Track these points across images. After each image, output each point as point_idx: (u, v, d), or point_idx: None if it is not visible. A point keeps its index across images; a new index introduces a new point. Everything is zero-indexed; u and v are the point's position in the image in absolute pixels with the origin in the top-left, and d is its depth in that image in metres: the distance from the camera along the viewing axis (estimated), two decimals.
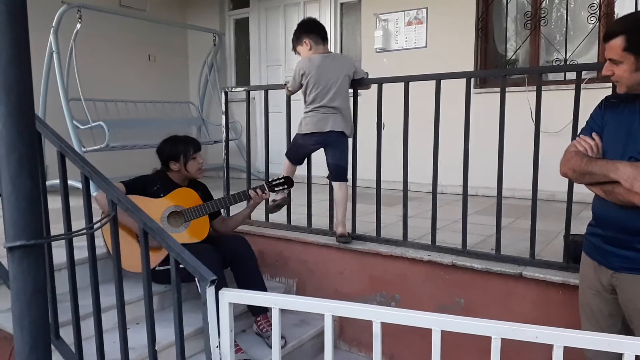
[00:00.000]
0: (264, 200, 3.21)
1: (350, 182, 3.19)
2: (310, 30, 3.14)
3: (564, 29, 4.68)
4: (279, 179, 3.00)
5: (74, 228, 2.01)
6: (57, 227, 2.08)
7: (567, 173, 1.80)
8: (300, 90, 3.16)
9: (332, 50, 5.90)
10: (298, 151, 3.23)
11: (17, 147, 1.25)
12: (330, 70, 3.05)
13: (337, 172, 3.10)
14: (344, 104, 3.07)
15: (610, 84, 2.24)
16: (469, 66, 4.90)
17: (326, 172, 3.17)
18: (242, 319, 2.86)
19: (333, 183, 3.14)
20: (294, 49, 3.22)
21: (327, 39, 3.18)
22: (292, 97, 3.37)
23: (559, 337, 1.29)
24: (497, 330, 1.33)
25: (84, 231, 1.69)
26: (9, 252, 1.29)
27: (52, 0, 4.74)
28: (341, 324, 3.09)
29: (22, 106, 1.25)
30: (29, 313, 1.32)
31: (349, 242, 3.05)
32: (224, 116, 3.67)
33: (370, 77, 3.19)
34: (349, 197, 3.13)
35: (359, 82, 3.15)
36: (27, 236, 1.28)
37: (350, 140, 3.15)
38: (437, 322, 1.36)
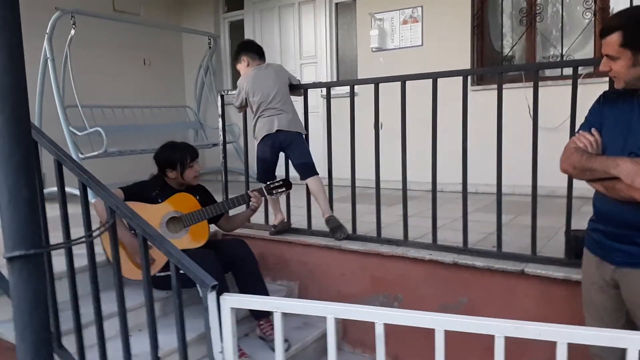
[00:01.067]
0: (262, 204, 3.22)
1: (349, 183, 3.19)
2: (247, 49, 3.47)
3: (560, 25, 4.68)
4: (277, 181, 3.00)
5: (72, 236, 2.00)
6: (56, 235, 2.07)
7: (568, 170, 1.80)
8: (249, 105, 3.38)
9: (328, 51, 5.93)
10: (265, 168, 3.34)
11: (14, 156, 1.24)
12: (265, 78, 3.32)
13: (305, 169, 3.25)
14: (286, 106, 3.27)
15: (607, 79, 2.25)
16: (466, 64, 4.89)
17: (326, 173, 3.17)
18: (245, 322, 2.85)
19: (307, 180, 3.26)
20: (235, 67, 3.54)
21: (263, 56, 3.51)
22: (292, 97, 3.40)
23: (563, 334, 1.29)
24: (500, 328, 1.32)
25: (83, 239, 1.68)
26: (8, 262, 1.28)
27: (45, 6, 4.73)
28: (345, 325, 3.08)
29: (17, 114, 1.24)
30: (30, 323, 1.31)
31: (344, 232, 3.09)
32: (220, 119, 3.66)
33: (366, 76, 3.21)
34: (348, 198, 3.12)
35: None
36: (26, 246, 1.27)
37: (347, 140, 3.15)
38: (440, 322, 1.36)
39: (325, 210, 3.19)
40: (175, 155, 2.78)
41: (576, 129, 1.90)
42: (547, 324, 1.30)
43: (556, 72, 4.70)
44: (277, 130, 3.22)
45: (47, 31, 4.63)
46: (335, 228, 3.12)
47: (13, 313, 1.31)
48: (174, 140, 2.92)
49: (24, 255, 1.28)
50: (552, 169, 2.61)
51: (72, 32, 4.71)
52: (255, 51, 3.46)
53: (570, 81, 2.51)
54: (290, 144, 3.26)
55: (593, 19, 4.48)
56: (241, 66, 3.46)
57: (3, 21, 1.18)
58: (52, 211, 2.05)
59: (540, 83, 2.58)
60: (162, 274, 2.59)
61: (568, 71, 4.39)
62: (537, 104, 2.52)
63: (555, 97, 3.95)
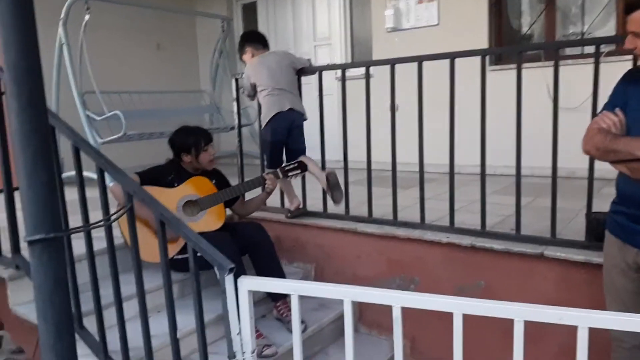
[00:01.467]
0: (278, 187, 3.22)
1: (364, 166, 3.17)
2: (250, 39, 3.49)
3: (580, 2, 4.55)
4: (292, 163, 2.99)
5: (91, 219, 2.03)
6: (74, 218, 2.09)
7: (591, 151, 1.75)
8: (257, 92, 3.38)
9: (343, 33, 5.86)
10: (276, 149, 3.33)
11: (32, 142, 1.25)
12: (270, 62, 3.33)
13: (301, 154, 3.30)
14: (293, 89, 3.31)
15: (630, 57, 2.18)
16: (483, 43, 4.79)
17: (341, 156, 3.16)
18: (262, 304, 2.87)
19: (302, 158, 3.25)
20: (241, 58, 3.55)
21: (267, 44, 3.53)
22: (303, 82, 3.37)
23: (584, 319, 1.27)
24: (519, 312, 1.31)
25: (102, 223, 1.69)
26: (29, 245, 1.29)
27: None
28: (361, 307, 3.09)
29: (34, 100, 1.24)
30: (51, 305, 1.33)
31: (342, 194, 3.16)
32: (235, 103, 3.65)
33: (381, 57, 3.16)
34: (364, 181, 3.10)
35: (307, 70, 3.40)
36: (46, 229, 1.29)
37: (362, 122, 3.12)
38: (458, 306, 1.34)
39: (321, 172, 3.22)
40: (189, 140, 2.79)
41: (599, 109, 1.86)
42: (568, 308, 1.28)
43: (576, 50, 4.58)
44: (289, 109, 3.22)
45: (62, 16, 4.63)
46: (335, 185, 3.15)
47: (34, 295, 1.33)
48: (187, 125, 2.92)
49: (44, 238, 1.29)
50: (571, 149, 2.56)
51: (87, 17, 4.70)
52: (258, 41, 3.48)
53: (591, 60, 2.45)
54: (298, 126, 3.29)
55: None
56: (246, 57, 3.47)
57: (16, 6, 1.18)
58: (71, 195, 2.07)
59: (560, 62, 2.51)
60: (180, 256, 2.61)
61: (588, 50, 4.28)
62: (558, 84, 2.46)
63: (575, 76, 3.86)
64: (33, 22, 1.22)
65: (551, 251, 2.46)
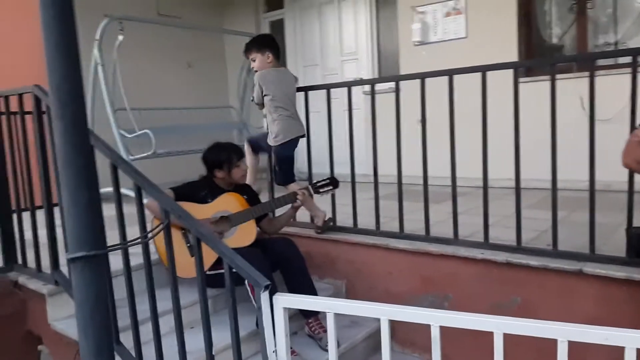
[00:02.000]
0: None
1: (392, 180, 3.16)
2: (274, 46, 3.46)
3: (609, 11, 4.47)
4: (323, 180, 2.99)
5: (127, 235, 2.06)
6: (110, 234, 2.13)
7: (631, 164, 1.71)
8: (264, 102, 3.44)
9: (369, 47, 5.88)
10: (290, 167, 3.46)
11: (74, 161, 1.28)
12: (288, 82, 3.43)
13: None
14: (297, 112, 3.47)
15: None
16: (512, 55, 4.75)
17: (369, 171, 3.15)
18: (294, 320, 2.86)
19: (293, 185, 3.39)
20: (249, 55, 3.48)
21: (280, 58, 3.57)
22: (332, 97, 3.38)
23: (632, 339, 1.23)
24: (563, 332, 1.27)
25: (139, 240, 1.72)
26: (71, 262, 1.32)
27: (94, 13, 4.88)
28: (393, 324, 3.02)
29: (76, 121, 1.28)
30: (92, 321, 1.35)
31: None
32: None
33: (409, 71, 3.16)
34: (394, 196, 3.08)
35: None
36: (87, 247, 1.31)
37: (389, 137, 3.14)
38: (499, 325, 1.32)
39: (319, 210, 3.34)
40: (221, 156, 2.83)
41: (637, 122, 1.81)
42: (614, 329, 1.25)
43: (609, 60, 4.49)
44: (299, 136, 3.40)
45: (97, 37, 4.78)
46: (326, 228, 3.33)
47: (75, 312, 1.35)
48: (219, 141, 2.97)
49: (86, 256, 1.32)
50: (606, 162, 2.50)
51: (120, 37, 4.84)
52: (278, 51, 3.48)
53: (624, 70, 2.40)
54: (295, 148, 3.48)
55: None
56: (262, 59, 3.41)
57: (61, 34, 1.22)
58: (106, 211, 2.12)
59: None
60: (211, 272, 2.63)
61: (621, 60, 4.20)
62: (594, 95, 2.41)
63: (608, 87, 3.78)
64: (76, 46, 1.26)
65: (590, 268, 2.39)
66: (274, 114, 3.35)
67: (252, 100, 3.53)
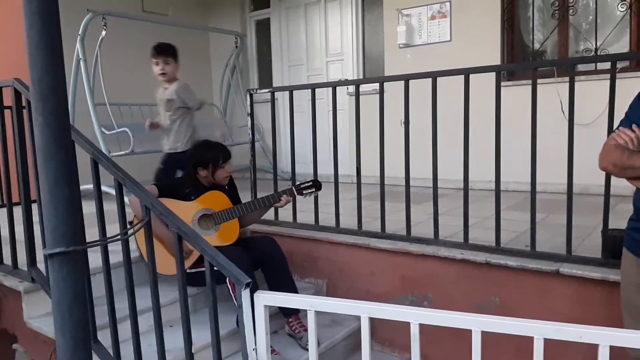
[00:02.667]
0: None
1: (374, 181, 3.17)
2: None
3: (592, 18, 4.56)
4: (307, 182, 3.00)
5: (107, 233, 2.04)
6: (90, 231, 2.11)
7: (608, 167, 1.75)
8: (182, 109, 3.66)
9: (355, 48, 5.91)
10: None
11: (55, 156, 1.27)
12: None
13: None
14: None
15: None
16: (496, 59, 4.81)
17: (352, 171, 3.15)
18: (274, 319, 2.86)
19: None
20: (166, 59, 3.69)
21: None
22: (316, 97, 3.39)
23: (605, 337, 1.25)
24: (540, 330, 1.30)
25: (119, 237, 1.70)
26: (49, 258, 1.31)
27: (77, 8, 4.82)
28: (373, 323, 3.05)
29: (57, 115, 1.26)
30: (69, 318, 1.33)
31: None
32: (249, 118, 3.68)
33: (393, 73, 3.17)
34: (376, 196, 3.10)
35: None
36: (66, 243, 1.30)
37: (372, 137, 3.15)
38: (477, 323, 1.33)
39: None
40: (208, 155, 2.81)
41: (614, 125, 1.85)
42: (589, 327, 1.27)
43: (589, 66, 4.59)
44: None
45: (80, 32, 4.72)
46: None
47: (52, 308, 1.34)
48: (209, 140, 2.95)
49: (64, 252, 1.30)
50: (585, 166, 2.55)
51: (103, 33, 4.79)
52: None
53: (604, 76, 2.45)
54: None
55: (629, 11, 4.35)
56: (175, 67, 3.69)
57: (44, 25, 1.21)
58: (85, 208, 2.09)
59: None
60: (192, 270, 2.62)
61: (601, 66, 4.29)
62: (573, 100, 2.45)
63: (588, 92, 3.85)
64: (58, 41, 1.25)
65: (567, 268, 2.43)
66: (191, 123, 3.63)
67: (191, 107, 3.71)
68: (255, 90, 3.70)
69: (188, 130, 3.64)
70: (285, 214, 3.44)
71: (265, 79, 6.83)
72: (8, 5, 5.17)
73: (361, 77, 5.93)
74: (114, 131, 4.78)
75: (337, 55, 6.10)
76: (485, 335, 1.32)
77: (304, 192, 2.96)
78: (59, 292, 1.32)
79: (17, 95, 2.36)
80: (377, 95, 3.10)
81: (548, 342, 1.28)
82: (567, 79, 2.51)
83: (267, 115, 3.91)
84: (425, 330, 1.39)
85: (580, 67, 4.62)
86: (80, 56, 4.78)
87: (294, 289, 2.77)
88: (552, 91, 4.23)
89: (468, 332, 1.35)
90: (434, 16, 5.16)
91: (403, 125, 2.98)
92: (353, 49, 5.95)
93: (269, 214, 3.35)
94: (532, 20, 4.87)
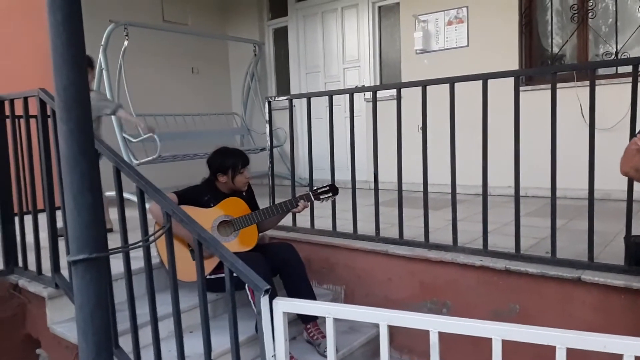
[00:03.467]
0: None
1: (392, 187, 3.16)
2: None
3: (612, 21, 4.50)
4: (323, 187, 3.01)
5: (128, 239, 2.07)
6: (112, 237, 2.15)
7: (629, 172, 1.72)
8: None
9: (371, 55, 5.92)
10: None
11: (79, 164, 1.29)
12: None
13: None
14: None
15: None
16: (514, 64, 4.77)
17: (370, 177, 3.15)
18: (292, 326, 2.85)
19: None
20: (92, 67, 3.73)
21: None
22: (334, 103, 3.41)
23: (630, 347, 1.23)
24: (562, 339, 1.28)
25: (140, 244, 1.73)
26: (72, 265, 1.33)
27: (100, 19, 4.93)
28: (392, 330, 3.03)
29: (82, 124, 1.29)
30: (92, 324, 1.35)
31: None
32: (267, 125, 3.71)
33: (410, 79, 3.17)
34: (394, 202, 3.09)
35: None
36: (89, 250, 1.32)
37: (389, 143, 3.13)
38: (498, 331, 1.32)
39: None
40: (227, 161, 2.84)
41: (637, 130, 1.83)
42: (613, 336, 1.25)
43: (609, 70, 4.52)
44: None
45: (102, 43, 4.83)
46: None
47: (76, 315, 1.36)
48: (226, 146, 2.98)
49: (87, 258, 1.33)
50: (606, 171, 2.52)
51: (126, 43, 4.89)
52: None
53: (624, 79, 2.41)
54: None
55: None
56: (92, 79, 3.77)
57: (69, 38, 1.24)
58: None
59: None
60: (212, 276, 2.64)
61: (622, 69, 4.22)
62: (594, 104, 2.42)
63: (609, 96, 3.80)
64: (82, 51, 1.28)
65: (589, 275, 2.39)
66: (99, 129, 3.67)
67: (108, 113, 3.73)
68: (273, 98, 3.73)
69: (98, 136, 3.62)
70: (303, 220, 3.45)
71: (283, 86, 6.88)
72: (31, 15, 5.30)
73: (378, 83, 5.93)
74: (141, 138, 4.85)
75: (354, 62, 6.12)
76: (504, 343, 1.31)
77: (321, 197, 2.97)
78: (82, 298, 1.34)
79: (42, 104, 2.42)
80: (394, 101, 3.10)
81: (570, 351, 1.26)
82: (587, 83, 2.49)
83: (285, 121, 3.94)
84: (444, 337, 1.38)
85: (601, 71, 4.55)
86: (103, 66, 4.88)
87: (312, 296, 2.77)
88: (572, 95, 4.19)
89: (487, 340, 1.34)
90: (451, 21, 5.15)
91: (420, 131, 2.97)
92: (370, 56, 5.97)
93: (287, 220, 3.36)
94: (550, 23, 4.82)
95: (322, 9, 6.31)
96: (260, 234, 3.04)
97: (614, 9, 4.48)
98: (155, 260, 2.63)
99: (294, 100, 3.66)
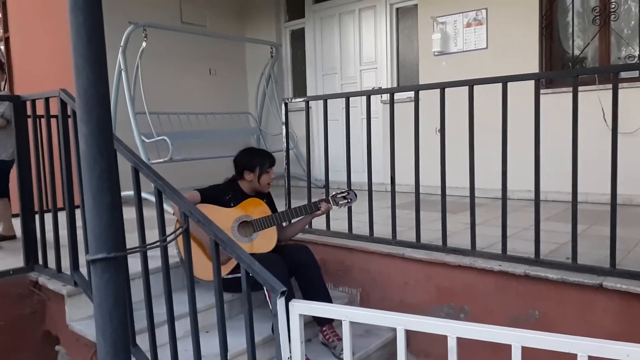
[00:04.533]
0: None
1: (409, 189, 3.14)
2: None
3: (634, 23, 4.42)
4: (342, 192, 3.01)
5: (146, 239, 2.09)
6: (129, 237, 2.16)
7: None
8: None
9: (389, 57, 5.90)
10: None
11: (99, 164, 1.31)
12: None
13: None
14: None
15: None
16: (533, 66, 4.71)
17: (386, 179, 3.13)
18: (308, 328, 2.84)
19: None
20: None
21: None
22: (350, 105, 3.40)
23: None
24: (584, 347, 1.25)
25: (158, 244, 1.74)
26: (91, 264, 1.35)
27: (119, 20, 4.99)
28: (408, 334, 3.00)
29: (101, 125, 1.31)
30: (110, 323, 1.36)
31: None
32: (284, 127, 3.71)
33: (428, 81, 3.15)
34: (410, 205, 3.07)
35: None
36: (108, 249, 1.33)
37: (406, 146, 3.11)
38: (518, 338, 1.30)
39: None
40: (255, 159, 2.89)
41: None
42: (636, 345, 1.22)
43: (632, 73, 4.43)
44: None
45: (122, 44, 4.88)
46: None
47: (94, 313, 1.37)
48: (253, 147, 3.01)
49: (106, 258, 1.34)
50: (628, 175, 2.47)
51: (144, 44, 4.94)
52: None
53: None
54: None
55: None
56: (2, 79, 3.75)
57: (90, 40, 1.25)
58: (126, 214, 2.15)
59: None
60: (230, 276, 2.65)
61: None
62: (617, 108, 2.37)
63: (631, 100, 3.73)
64: (103, 52, 1.29)
65: (611, 282, 2.34)
66: (10, 133, 3.56)
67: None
68: (290, 100, 3.73)
69: (8, 140, 3.54)
70: (318, 222, 3.44)
71: (300, 87, 6.89)
72: (50, 18, 5.40)
73: (395, 85, 5.91)
74: (153, 139, 4.91)
75: (371, 64, 6.10)
76: (524, 350, 1.29)
77: (340, 202, 2.98)
78: (100, 297, 1.35)
79: (63, 105, 2.45)
80: (411, 103, 3.08)
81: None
82: (609, 86, 2.45)
83: (301, 123, 3.94)
84: (462, 342, 1.36)
85: (623, 74, 4.47)
86: (122, 67, 4.93)
87: (327, 298, 2.77)
88: (594, 99, 4.12)
89: (506, 347, 1.32)
90: (470, 23, 5.10)
91: (438, 133, 2.95)
92: (387, 57, 5.94)
93: None
94: (571, 26, 4.75)
95: (340, 10, 6.31)
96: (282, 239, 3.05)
97: (637, 11, 4.40)
98: (174, 259, 2.66)
99: (310, 102, 3.66)
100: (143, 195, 2.11)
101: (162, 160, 4.89)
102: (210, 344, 2.23)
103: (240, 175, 2.91)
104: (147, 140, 4.97)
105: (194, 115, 6.13)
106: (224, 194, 2.85)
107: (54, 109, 2.53)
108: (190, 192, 2.75)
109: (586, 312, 2.43)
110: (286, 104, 3.69)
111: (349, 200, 3.00)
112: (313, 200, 3.08)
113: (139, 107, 5.05)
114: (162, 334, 2.10)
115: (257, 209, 2.84)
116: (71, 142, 2.43)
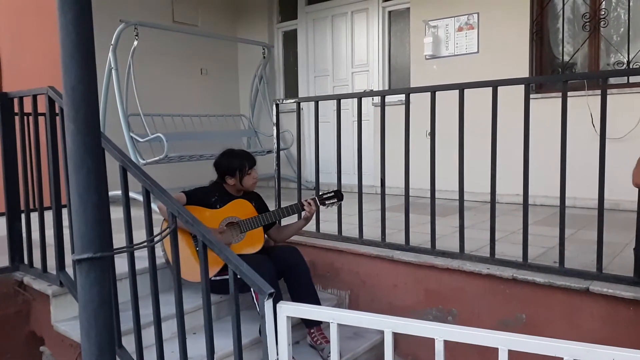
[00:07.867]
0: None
1: (399, 192, 3.14)
2: None
3: (623, 30, 4.47)
4: (329, 192, 3.01)
5: (134, 239, 2.07)
6: (117, 237, 2.14)
7: None
8: None
9: (381, 59, 5.91)
10: None
11: (85, 162, 1.29)
12: None
13: None
14: None
15: None
16: (524, 71, 4.75)
17: (376, 182, 3.13)
18: (296, 330, 2.84)
19: None
20: None
21: None
22: (341, 107, 3.39)
23: None
24: (569, 351, 1.26)
25: (145, 244, 1.73)
26: (77, 264, 1.33)
27: (110, 19, 4.95)
28: (396, 337, 3.01)
29: (89, 123, 1.29)
30: (95, 324, 1.35)
31: None
32: (275, 127, 3.70)
33: (419, 84, 3.16)
34: (400, 208, 3.08)
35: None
36: (94, 249, 1.32)
37: (397, 148, 3.11)
38: (505, 341, 1.30)
39: None
40: (234, 163, 2.86)
41: None
42: (622, 349, 1.23)
43: (621, 79, 4.48)
44: None
45: (112, 42, 4.84)
46: None
47: (79, 313, 1.35)
48: (232, 148, 2.99)
49: (92, 257, 1.32)
50: (616, 181, 2.49)
51: (135, 43, 4.91)
52: None
53: (636, 89, 2.38)
54: None
55: None
56: None
57: (78, 36, 1.24)
58: (113, 214, 2.13)
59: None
60: (217, 278, 2.64)
61: (634, 79, 4.19)
62: (606, 114, 2.39)
63: (620, 106, 3.77)
64: (92, 50, 1.28)
65: (597, 286, 2.36)
66: None
67: None
68: (281, 101, 3.73)
69: None
70: (308, 223, 3.43)
71: (292, 88, 6.88)
72: (40, 15, 5.34)
73: (386, 88, 5.92)
74: (148, 138, 4.87)
75: (363, 66, 6.11)
76: (511, 353, 1.29)
77: (326, 202, 2.98)
78: (85, 297, 1.34)
79: (51, 102, 2.43)
80: (402, 106, 3.09)
81: None
82: (597, 91, 2.48)
83: (292, 124, 3.93)
84: (450, 346, 1.36)
85: (612, 80, 4.52)
86: (112, 65, 4.89)
87: (316, 300, 2.76)
88: (582, 104, 4.16)
89: (493, 350, 1.32)
90: (461, 28, 5.13)
91: (429, 137, 2.96)
92: (379, 60, 5.96)
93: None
94: (562, 32, 4.79)
95: (332, 12, 6.32)
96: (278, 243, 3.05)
97: (626, 18, 4.45)
98: (160, 260, 2.64)
99: (301, 103, 3.65)
100: (131, 195, 2.09)
101: (157, 158, 4.85)
102: (197, 346, 2.22)
103: (222, 179, 2.90)
104: (141, 140, 4.93)
105: (187, 117, 6.09)
106: (210, 196, 2.84)
107: (42, 106, 2.51)
108: (176, 193, 2.73)
109: (573, 316, 2.45)
110: (277, 105, 3.69)
111: (335, 201, 3.00)
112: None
113: (132, 108, 5.02)
114: (148, 336, 2.08)
115: (243, 210, 2.84)
116: (59, 140, 2.40)
